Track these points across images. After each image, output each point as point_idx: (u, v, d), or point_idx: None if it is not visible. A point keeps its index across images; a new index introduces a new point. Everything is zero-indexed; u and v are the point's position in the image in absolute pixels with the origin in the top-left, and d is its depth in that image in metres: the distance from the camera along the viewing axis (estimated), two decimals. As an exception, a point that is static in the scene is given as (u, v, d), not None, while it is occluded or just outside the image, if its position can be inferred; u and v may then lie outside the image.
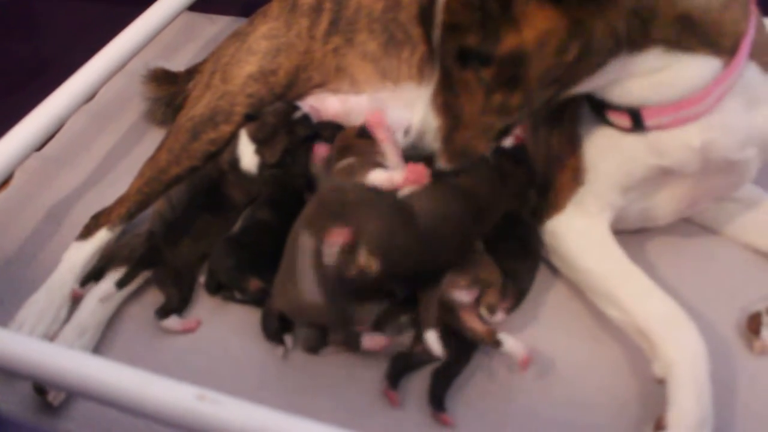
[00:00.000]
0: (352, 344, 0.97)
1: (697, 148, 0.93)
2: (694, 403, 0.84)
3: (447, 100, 0.90)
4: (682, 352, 0.87)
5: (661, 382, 0.88)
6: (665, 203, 1.03)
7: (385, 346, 0.96)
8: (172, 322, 1.05)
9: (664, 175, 0.97)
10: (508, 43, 0.82)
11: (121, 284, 1.06)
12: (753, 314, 1.00)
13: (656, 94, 0.91)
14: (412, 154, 0.94)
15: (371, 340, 0.96)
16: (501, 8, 0.81)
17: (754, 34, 0.90)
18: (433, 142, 0.91)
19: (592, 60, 0.85)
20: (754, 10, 0.91)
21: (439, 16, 0.85)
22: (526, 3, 0.80)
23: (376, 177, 1.03)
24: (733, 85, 0.90)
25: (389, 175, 1.02)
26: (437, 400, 0.93)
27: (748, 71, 0.92)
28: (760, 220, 1.10)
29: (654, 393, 0.89)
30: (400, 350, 0.98)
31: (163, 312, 1.06)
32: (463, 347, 0.96)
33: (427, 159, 0.94)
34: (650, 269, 0.97)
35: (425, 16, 0.88)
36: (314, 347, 1.01)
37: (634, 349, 0.96)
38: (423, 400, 0.95)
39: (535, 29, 0.81)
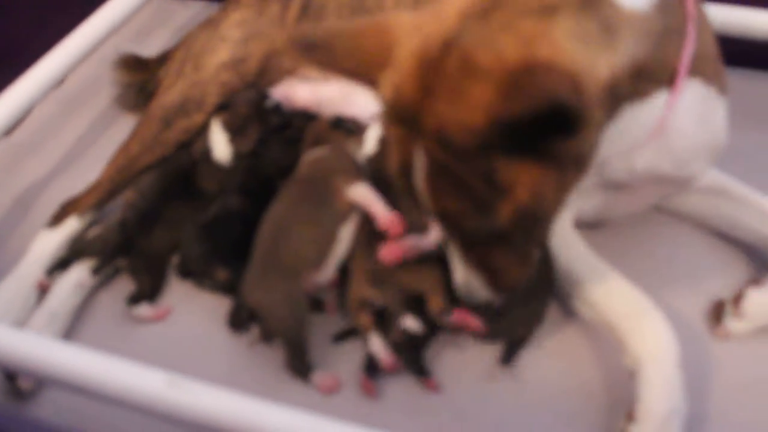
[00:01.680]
0: (301, 372, 0.96)
1: (638, 171, 0.94)
2: (662, 397, 0.85)
3: (478, 257, 0.83)
4: (649, 347, 0.88)
5: (632, 375, 0.88)
6: (618, 202, 1.04)
7: (332, 390, 0.96)
8: (144, 309, 1.05)
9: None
10: (506, 211, 0.74)
11: (96, 271, 1.06)
12: (716, 302, 1.03)
13: (616, 147, 0.88)
14: (467, 302, 0.89)
15: (322, 379, 0.96)
16: (486, 184, 0.72)
17: (693, 47, 0.86)
18: (481, 291, 0.86)
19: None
20: (692, 15, 0.86)
21: (426, 203, 0.77)
22: (508, 168, 0.71)
23: (360, 193, 1.01)
24: (677, 106, 0.88)
25: (374, 203, 1.00)
26: (417, 369, 0.95)
27: (692, 88, 0.89)
28: (724, 206, 1.10)
29: (625, 380, 0.90)
30: None
31: (135, 300, 1.06)
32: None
33: None
34: (617, 258, 0.98)
35: (410, 187, 0.79)
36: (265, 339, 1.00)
37: (604, 337, 0.97)
38: (397, 387, 0.96)
39: (524, 188, 0.72)
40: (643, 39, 0.79)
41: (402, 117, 0.74)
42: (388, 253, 0.96)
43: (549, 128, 0.67)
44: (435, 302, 0.94)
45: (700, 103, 0.92)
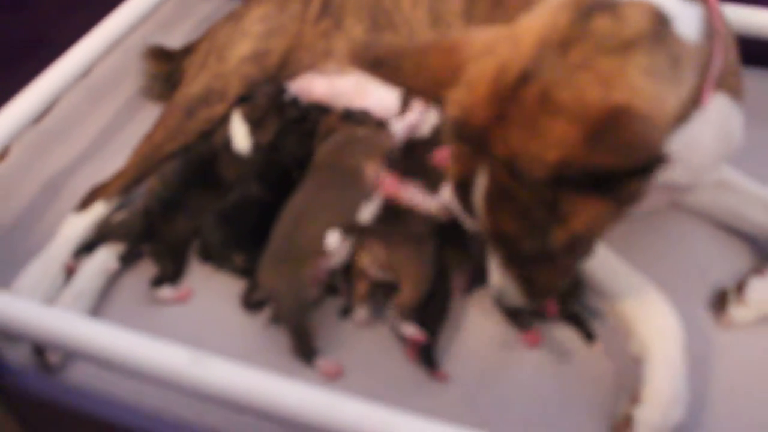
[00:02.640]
0: (306, 357, 1.00)
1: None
2: (668, 380, 0.88)
3: (520, 269, 0.85)
4: (657, 332, 0.91)
5: (637, 360, 0.92)
6: None
7: (335, 375, 0.99)
8: (166, 291, 1.09)
9: None
10: (561, 237, 0.76)
11: (124, 259, 1.11)
12: (720, 291, 1.06)
13: None
14: (500, 306, 0.94)
15: (326, 365, 0.98)
16: (547, 212, 0.74)
17: (720, 62, 0.86)
18: (515, 297, 0.88)
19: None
20: (720, 32, 0.86)
21: (482, 219, 0.79)
22: (572, 201, 0.73)
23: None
24: (701, 122, 0.87)
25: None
26: (428, 360, 0.98)
27: (717, 103, 0.91)
28: (727, 198, 1.12)
29: (630, 367, 0.94)
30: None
31: (157, 282, 1.10)
32: (439, 308, 1.01)
33: None
34: (623, 248, 1.00)
35: (466, 202, 0.81)
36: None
37: (608, 323, 1.01)
38: (406, 367, 1.00)
39: (583, 219, 0.74)
40: (697, 68, 0.80)
41: (469, 137, 0.76)
42: (389, 182, 1.00)
43: (625, 174, 0.69)
44: (408, 294, 0.97)
45: (721, 117, 0.94)
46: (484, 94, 0.74)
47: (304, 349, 0.99)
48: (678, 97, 0.77)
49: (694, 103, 0.84)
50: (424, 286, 0.98)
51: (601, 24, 0.73)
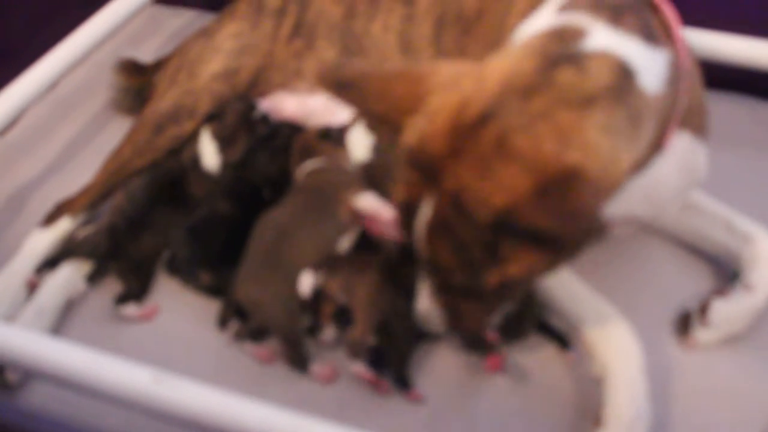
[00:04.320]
0: (300, 365, 1.00)
1: (615, 217, 0.92)
2: (628, 401, 0.89)
3: (448, 300, 0.85)
4: (616, 354, 0.92)
5: (598, 382, 0.93)
6: None
7: (330, 379, 0.99)
8: (131, 309, 1.08)
9: None
10: (494, 278, 0.76)
11: (91, 279, 1.10)
12: (683, 313, 1.07)
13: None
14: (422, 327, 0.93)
15: (320, 370, 0.99)
16: (485, 253, 0.75)
17: (684, 103, 0.87)
18: (438, 324, 0.89)
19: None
20: (686, 70, 0.87)
21: (420, 245, 0.80)
22: (510, 246, 0.73)
23: (367, 202, 1.05)
24: (664, 161, 0.88)
25: (379, 207, 1.03)
26: (401, 381, 0.97)
27: (680, 142, 0.92)
28: (690, 219, 1.13)
29: (593, 389, 0.94)
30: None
31: (122, 300, 1.08)
32: (410, 330, 0.99)
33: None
34: (585, 270, 1.01)
35: (408, 225, 0.81)
36: (245, 337, 1.03)
37: (573, 346, 1.01)
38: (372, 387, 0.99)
39: (518, 266, 0.75)
40: (658, 118, 0.81)
41: (421, 165, 0.76)
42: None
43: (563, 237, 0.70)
44: (359, 330, 0.97)
45: (685, 155, 0.96)
46: (443, 126, 0.75)
47: (298, 357, 0.99)
48: (633, 154, 0.77)
49: (655, 148, 0.84)
50: (374, 318, 0.97)
51: (565, 76, 0.74)
